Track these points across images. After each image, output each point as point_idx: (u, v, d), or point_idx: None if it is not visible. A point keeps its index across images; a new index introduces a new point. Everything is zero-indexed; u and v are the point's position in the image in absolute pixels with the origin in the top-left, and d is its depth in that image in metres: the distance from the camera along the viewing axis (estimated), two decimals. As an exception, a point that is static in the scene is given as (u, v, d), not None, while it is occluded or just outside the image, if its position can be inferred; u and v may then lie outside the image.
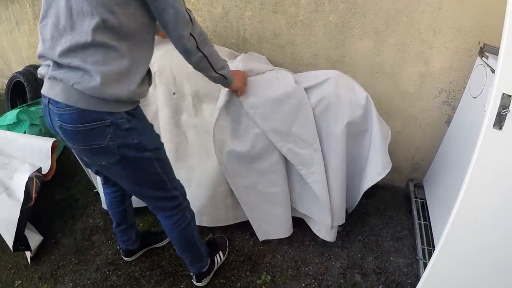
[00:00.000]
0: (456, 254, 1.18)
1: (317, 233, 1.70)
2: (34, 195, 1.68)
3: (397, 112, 1.83)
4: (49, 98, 0.98)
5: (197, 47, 1.03)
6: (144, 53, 1.02)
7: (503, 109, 0.96)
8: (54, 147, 1.95)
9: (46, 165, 1.91)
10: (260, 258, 1.65)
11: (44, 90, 1.00)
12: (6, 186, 1.73)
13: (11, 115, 2.10)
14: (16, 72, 2.52)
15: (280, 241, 1.73)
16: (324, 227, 1.63)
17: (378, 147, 1.45)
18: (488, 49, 1.53)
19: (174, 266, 1.61)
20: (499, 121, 0.98)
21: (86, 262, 1.64)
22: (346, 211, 1.73)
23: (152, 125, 1.16)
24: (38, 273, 1.61)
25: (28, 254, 1.66)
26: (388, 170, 1.48)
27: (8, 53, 2.82)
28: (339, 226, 1.79)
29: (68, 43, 0.89)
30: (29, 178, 1.70)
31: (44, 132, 2.18)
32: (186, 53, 1.05)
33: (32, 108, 2.23)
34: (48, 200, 1.98)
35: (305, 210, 1.66)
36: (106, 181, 1.43)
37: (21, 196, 1.65)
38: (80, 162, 1.33)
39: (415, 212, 1.78)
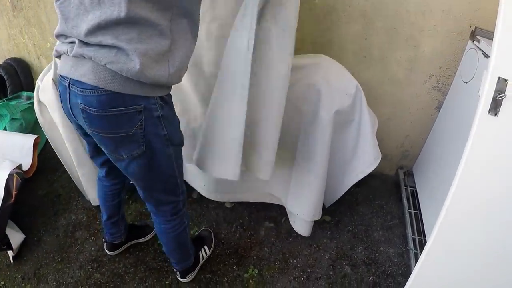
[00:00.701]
0: (450, 245, 1.14)
1: (292, 225, 1.68)
2: (14, 192, 1.63)
3: (386, 98, 1.78)
4: (70, 79, 0.87)
5: None
6: (188, 30, 0.89)
7: (499, 94, 0.90)
8: (35, 144, 1.89)
9: (27, 162, 1.85)
10: (247, 251, 1.62)
11: (64, 70, 0.88)
12: (-16, 183, 1.67)
13: (-10, 110, 2.03)
14: (-4, 66, 2.44)
15: (267, 233, 1.70)
16: (298, 219, 1.60)
17: (368, 138, 1.40)
18: (480, 33, 1.47)
19: (159, 261, 1.57)
20: (495, 107, 0.93)
21: (69, 260, 1.60)
22: (324, 206, 1.69)
23: (178, 119, 1.07)
24: (21, 273, 1.57)
25: (10, 253, 1.62)
26: (379, 161, 1.44)
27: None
28: (327, 216, 1.76)
29: (96, 20, 0.78)
30: (9, 174, 1.65)
31: (25, 126, 2.11)
32: None
33: (13, 102, 2.15)
34: (30, 196, 1.93)
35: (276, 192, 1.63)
36: (108, 174, 1.34)
37: (0, 193, 1.60)
38: (88, 152, 1.23)
39: (405, 201, 1.75)
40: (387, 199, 1.90)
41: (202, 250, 1.55)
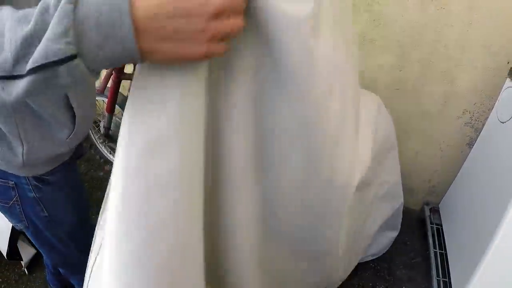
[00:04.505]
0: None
1: None
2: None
3: (416, 132, 1.72)
4: None
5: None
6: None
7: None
8: None
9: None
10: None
11: None
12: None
13: None
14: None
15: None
16: None
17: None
18: (520, 71, 1.42)
19: None
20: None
21: (80, 280, 1.54)
22: None
23: (80, 192, 0.89)
24: (29, 290, 1.51)
25: (23, 264, 1.57)
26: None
27: None
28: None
29: None
30: None
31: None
32: None
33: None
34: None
35: None
36: None
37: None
38: None
39: (430, 240, 1.68)
40: (411, 235, 1.83)
41: None
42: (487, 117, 1.59)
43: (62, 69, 0.34)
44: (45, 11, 0.33)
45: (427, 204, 1.85)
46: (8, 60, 0.34)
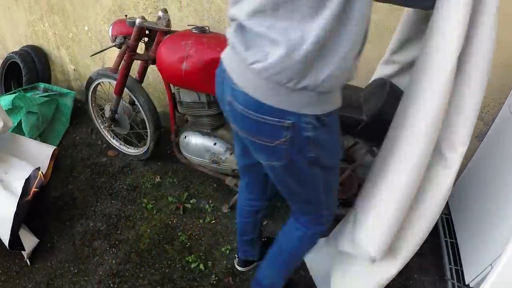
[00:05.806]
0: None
1: None
2: (33, 190, 1.50)
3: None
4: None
5: None
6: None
7: None
8: (53, 155, 1.77)
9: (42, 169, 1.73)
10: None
11: (223, 55, 0.82)
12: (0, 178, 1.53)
13: (5, 101, 1.87)
14: (12, 52, 2.28)
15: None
16: None
17: None
18: (533, 65, 1.45)
19: (188, 280, 1.46)
20: None
21: (86, 272, 1.47)
22: None
23: (338, 137, 0.91)
24: (32, 282, 1.43)
25: (25, 254, 1.48)
26: None
27: (5, 31, 2.55)
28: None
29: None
30: (33, 170, 1.53)
31: (42, 121, 1.98)
32: None
33: (29, 94, 2.01)
34: (43, 197, 1.78)
35: None
36: (247, 186, 1.20)
37: (18, 192, 1.46)
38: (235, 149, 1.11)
39: (441, 229, 1.70)
40: (421, 225, 1.85)
41: None
42: (498, 111, 1.63)
43: None
44: None
45: (437, 194, 1.87)
46: None
